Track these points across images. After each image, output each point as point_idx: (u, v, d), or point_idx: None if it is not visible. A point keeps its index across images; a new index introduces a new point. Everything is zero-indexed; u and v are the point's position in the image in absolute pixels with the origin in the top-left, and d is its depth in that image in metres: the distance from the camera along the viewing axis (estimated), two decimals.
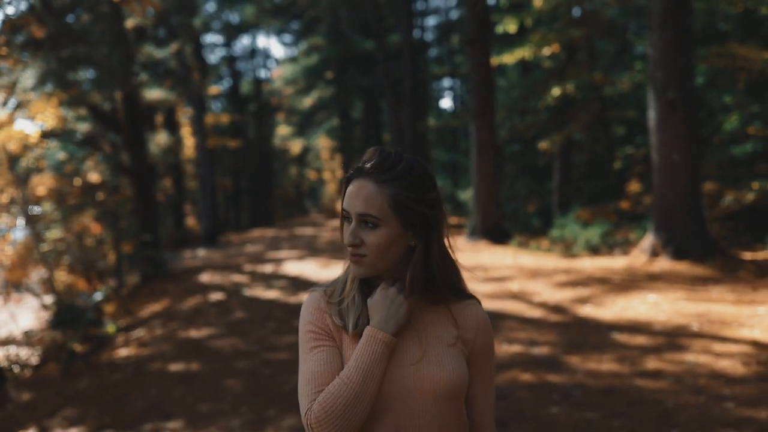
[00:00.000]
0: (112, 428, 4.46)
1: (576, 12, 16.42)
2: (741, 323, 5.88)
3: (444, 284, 1.44)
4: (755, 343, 5.23)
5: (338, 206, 1.46)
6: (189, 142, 29.39)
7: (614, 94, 16.91)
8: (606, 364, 5.03)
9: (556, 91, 15.59)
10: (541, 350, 5.64)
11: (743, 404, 3.95)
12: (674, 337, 5.62)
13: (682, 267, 9.05)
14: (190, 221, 30.50)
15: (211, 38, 32.66)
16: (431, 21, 33.90)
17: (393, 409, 1.35)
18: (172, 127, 25.05)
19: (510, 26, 15.34)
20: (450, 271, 1.46)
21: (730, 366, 4.71)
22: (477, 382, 1.46)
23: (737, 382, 4.37)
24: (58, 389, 5.80)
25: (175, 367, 5.99)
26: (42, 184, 13.72)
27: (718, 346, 5.23)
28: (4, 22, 9.87)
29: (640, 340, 5.66)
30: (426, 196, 1.39)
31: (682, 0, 9.59)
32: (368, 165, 1.37)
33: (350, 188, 1.39)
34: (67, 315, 7.35)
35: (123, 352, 6.94)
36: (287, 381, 5.25)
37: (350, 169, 1.42)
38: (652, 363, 4.96)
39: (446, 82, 36.70)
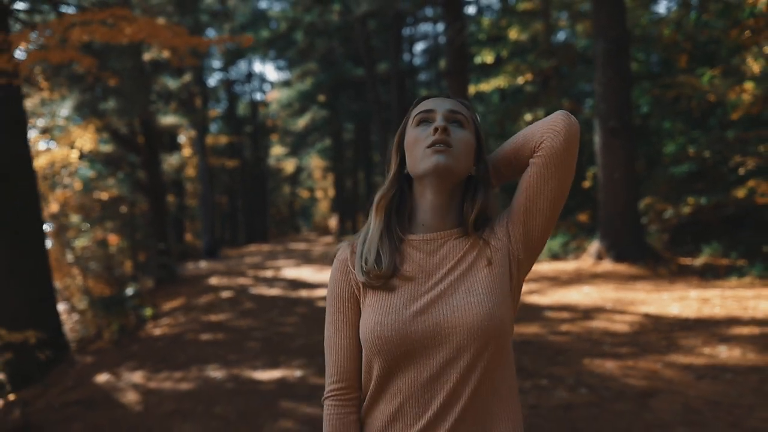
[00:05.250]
0: (167, 370, 6.11)
1: None
2: (644, 303, 7.59)
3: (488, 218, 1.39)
4: (646, 315, 6.94)
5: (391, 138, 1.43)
6: (190, 161, 31.03)
7: (590, 116, 18.66)
8: (532, 329, 6.72)
9: (527, 117, 17.41)
10: None
11: (612, 346, 5.65)
12: (589, 313, 7.33)
13: (621, 268, 10.77)
14: (189, 237, 32.03)
15: (209, 62, 34.43)
16: (420, 46, 35.82)
17: (415, 360, 1.18)
18: (175, 147, 26.74)
19: (487, 57, 17.17)
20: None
21: (620, 328, 6.41)
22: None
23: (617, 336, 6.08)
24: (115, 352, 7.43)
25: (204, 336, 7.64)
26: (66, 197, 15.34)
27: (618, 317, 6.94)
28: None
29: (564, 315, 7.36)
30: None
31: (621, 45, 11.41)
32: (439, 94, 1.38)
33: (429, 99, 1.36)
34: (113, 302, 9.03)
35: (157, 331, 8.57)
36: (293, 342, 6.92)
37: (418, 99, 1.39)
38: (565, 327, 6.66)
39: None
